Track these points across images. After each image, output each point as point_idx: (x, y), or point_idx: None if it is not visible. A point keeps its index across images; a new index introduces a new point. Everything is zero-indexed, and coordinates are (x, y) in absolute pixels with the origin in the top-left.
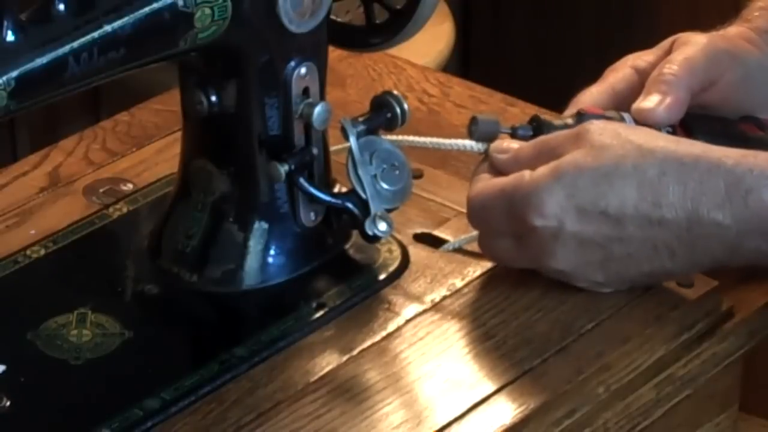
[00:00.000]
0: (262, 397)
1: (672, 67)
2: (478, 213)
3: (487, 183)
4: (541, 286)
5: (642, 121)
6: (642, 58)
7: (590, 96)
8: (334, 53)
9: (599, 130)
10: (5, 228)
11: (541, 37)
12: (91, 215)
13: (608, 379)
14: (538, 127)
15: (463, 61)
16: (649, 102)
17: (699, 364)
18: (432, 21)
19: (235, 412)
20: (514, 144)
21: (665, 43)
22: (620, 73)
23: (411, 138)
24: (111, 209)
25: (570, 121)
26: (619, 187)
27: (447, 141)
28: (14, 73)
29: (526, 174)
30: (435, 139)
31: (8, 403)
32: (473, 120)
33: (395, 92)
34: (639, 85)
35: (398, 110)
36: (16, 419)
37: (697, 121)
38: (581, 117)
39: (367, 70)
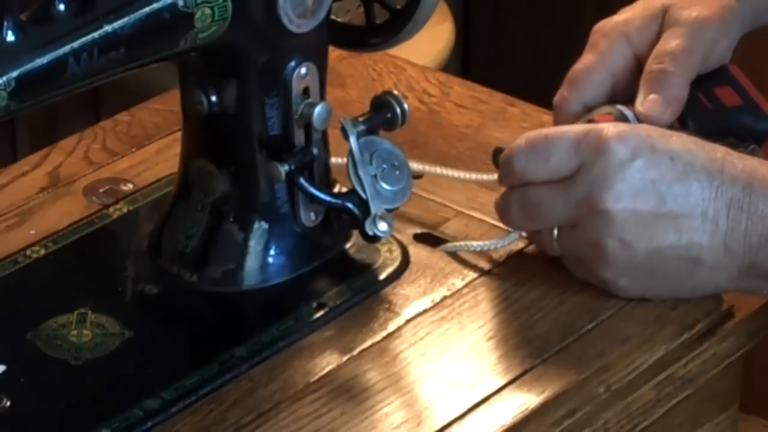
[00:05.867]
0: (262, 397)
1: (672, 64)
2: (540, 143)
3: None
4: (541, 287)
5: (647, 122)
6: (633, 25)
7: (586, 74)
8: (334, 53)
9: None
10: (5, 228)
11: (541, 37)
12: (91, 215)
13: (608, 379)
14: None
15: (463, 61)
16: (650, 105)
17: (699, 364)
18: (432, 21)
19: (235, 412)
20: None
21: (655, 9)
22: (612, 42)
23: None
24: (111, 209)
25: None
26: (689, 149)
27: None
28: (14, 73)
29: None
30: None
31: (8, 403)
32: (499, 151)
33: (395, 92)
34: (632, 56)
35: (398, 110)
36: (16, 419)
37: (686, 104)
38: None
39: (367, 70)
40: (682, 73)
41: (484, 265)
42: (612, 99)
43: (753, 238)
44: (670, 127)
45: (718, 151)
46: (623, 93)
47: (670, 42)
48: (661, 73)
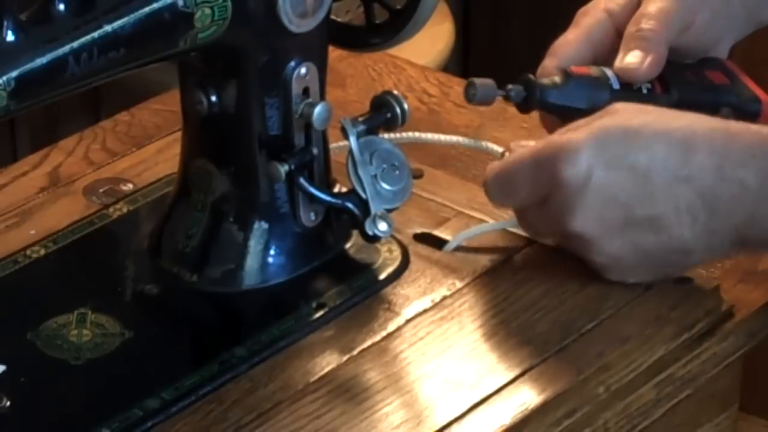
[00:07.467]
0: (262, 397)
1: (649, 22)
2: (506, 177)
3: (513, 154)
4: (541, 287)
5: (625, 79)
6: (614, 1)
7: (567, 45)
8: (334, 53)
9: (626, 107)
10: (5, 228)
11: (541, 37)
12: (91, 215)
13: (608, 379)
14: (528, 87)
15: (463, 61)
16: (632, 60)
17: (699, 364)
18: (432, 21)
19: (235, 412)
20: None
21: None
22: (594, 18)
23: (421, 134)
24: (111, 209)
25: (557, 79)
26: (649, 143)
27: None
28: (14, 73)
29: (557, 134)
30: (459, 138)
31: (8, 403)
32: (471, 84)
33: (395, 92)
34: (613, 30)
35: (398, 110)
36: (16, 419)
37: (671, 73)
38: (568, 76)
39: (367, 70)
40: (659, 30)
41: (484, 264)
42: None
43: (736, 218)
44: (652, 90)
45: (679, 135)
46: (606, 66)
47: (648, 7)
48: (638, 32)
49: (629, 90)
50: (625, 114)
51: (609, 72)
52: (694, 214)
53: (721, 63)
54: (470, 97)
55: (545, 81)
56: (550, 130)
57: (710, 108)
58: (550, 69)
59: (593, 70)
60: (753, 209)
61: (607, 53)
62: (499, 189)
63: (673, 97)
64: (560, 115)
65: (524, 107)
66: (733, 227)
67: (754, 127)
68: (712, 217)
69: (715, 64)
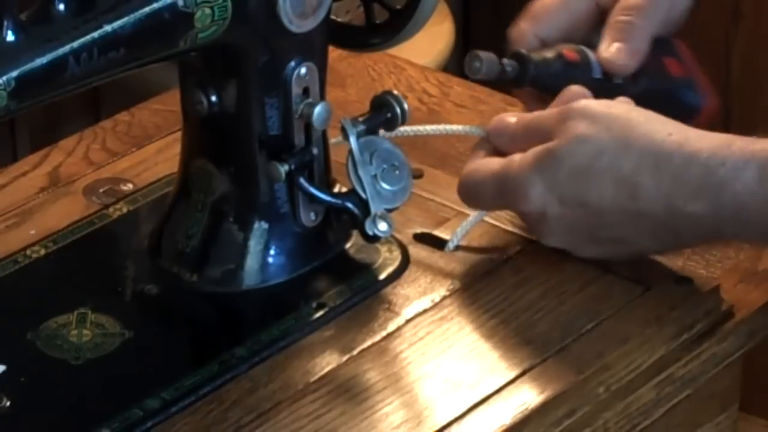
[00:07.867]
0: (262, 397)
1: (638, 17)
2: (470, 192)
3: (479, 164)
4: (541, 287)
5: (608, 70)
6: None
7: (545, 12)
8: (334, 53)
9: (581, 115)
10: (5, 228)
11: None
12: (91, 215)
13: (608, 379)
14: (522, 63)
15: (464, 61)
16: (617, 53)
17: (699, 364)
18: (432, 21)
19: (235, 412)
20: (512, 118)
21: None
22: None
23: (412, 128)
24: (111, 209)
25: (549, 55)
26: (596, 183)
27: (452, 127)
28: (14, 73)
29: (515, 160)
30: (436, 126)
31: (8, 403)
32: (476, 57)
33: (395, 92)
34: (595, 8)
35: (398, 110)
36: (16, 419)
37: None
38: (560, 58)
39: (367, 70)
40: (647, 26)
41: (484, 264)
42: (570, 41)
43: (700, 237)
44: (625, 79)
45: (625, 174)
46: (582, 38)
47: None
48: (628, 24)
49: (607, 81)
50: (576, 138)
51: (593, 59)
52: (656, 236)
53: (675, 48)
54: (475, 70)
55: (537, 58)
56: (528, 105)
57: (666, 98)
58: (525, 32)
59: (581, 56)
60: (715, 230)
61: (584, 25)
62: (466, 198)
63: (640, 87)
64: (544, 92)
65: (517, 83)
66: (699, 241)
67: (704, 155)
68: (676, 238)
69: (671, 50)
